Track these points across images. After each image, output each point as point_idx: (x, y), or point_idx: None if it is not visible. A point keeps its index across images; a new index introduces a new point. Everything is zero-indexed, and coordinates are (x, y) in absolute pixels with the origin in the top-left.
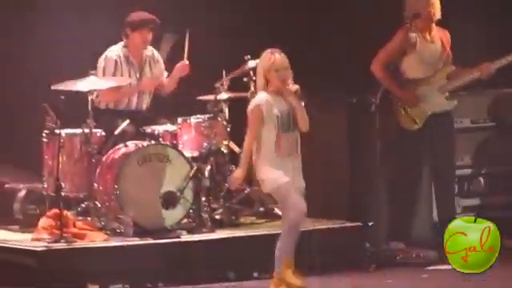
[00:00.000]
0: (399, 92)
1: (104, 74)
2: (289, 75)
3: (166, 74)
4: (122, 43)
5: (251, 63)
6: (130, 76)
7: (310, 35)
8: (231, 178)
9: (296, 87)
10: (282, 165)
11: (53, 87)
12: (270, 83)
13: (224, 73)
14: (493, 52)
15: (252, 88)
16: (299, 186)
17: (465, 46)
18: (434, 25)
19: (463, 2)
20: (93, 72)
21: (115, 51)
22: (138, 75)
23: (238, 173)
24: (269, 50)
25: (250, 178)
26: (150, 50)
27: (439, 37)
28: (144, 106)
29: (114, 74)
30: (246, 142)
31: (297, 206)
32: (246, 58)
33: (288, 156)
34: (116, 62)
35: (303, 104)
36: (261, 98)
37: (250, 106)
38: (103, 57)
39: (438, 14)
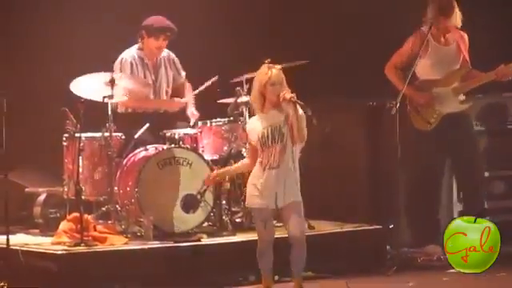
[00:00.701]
0: (413, 93)
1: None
2: (283, 90)
3: (183, 74)
4: (136, 45)
5: None
6: (145, 78)
7: (330, 38)
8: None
9: (291, 94)
10: (265, 176)
11: (72, 86)
12: (265, 98)
13: (244, 79)
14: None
15: None
16: (285, 200)
17: (480, 49)
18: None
19: (479, 8)
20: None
21: (130, 54)
22: (153, 77)
23: (216, 172)
24: (266, 65)
25: None
26: (165, 52)
27: (455, 39)
28: (163, 110)
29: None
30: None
31: (258, 236)
32: (265, 61)
33: (271, 168)
34: (131, 64)
35: (301, 112)
36: (248, 122)
37: None
38: (119, 60)
39: (455, 23)
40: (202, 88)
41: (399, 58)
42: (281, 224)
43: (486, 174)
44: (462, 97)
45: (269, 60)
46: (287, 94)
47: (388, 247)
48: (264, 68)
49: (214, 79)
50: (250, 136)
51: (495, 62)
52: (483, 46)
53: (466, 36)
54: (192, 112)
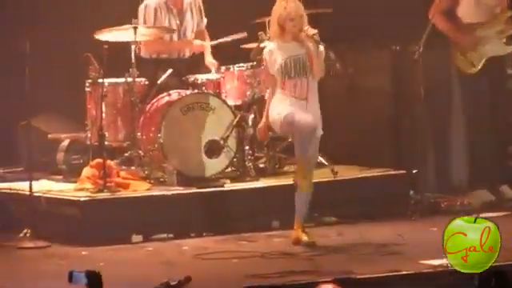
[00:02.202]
0: (458, 35)
1: (145, 23)
2: (304, 22)
3: (205, 20)
4: None
5: None
6: (170, 23)
7: None
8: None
9: (314, 31)
10: (290, 103)
11: (96, 36)
12: (285, 31)
13: (267, 21)
14: None
15: None
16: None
17: None
18: None
19: None
20: (135, 21)
21: None
22: (178, 22)
23: (260, 123)
24: None
25: None
26: None
27: None
28: (187, 55)
29: (155, 23)
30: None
31: (303, 124)
32: None
33: (296, 97)
34: (156, 9)
35: (322, 48)
36: (267, 49)
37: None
38: (143, 5)
39: None
40: (226, 39)
41: (442, 0)
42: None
43: None
44: (505, 40)
45: None
46: (310, 30)
47: (412, 192)
48: (281, 1)
49: (242, 35)
50: (269, 65)
51: None
52: None
53: None
54: (210, 62)
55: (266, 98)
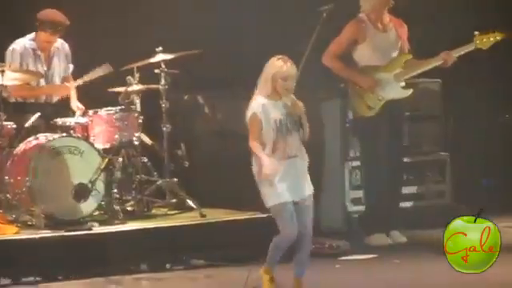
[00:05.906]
0: (357, 77)
1: (10, 67)
2: (294, 84)
3: (71, 66)
4: (30, 35)
5: (161, 56)
6: (36, 68)
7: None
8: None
9: (301, 104)
10: (283, 167)
11: None
12: (273, 89)
13: (135, 67)
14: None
15: (163, 80)
16: (302, 193)
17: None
18: (386, 14)
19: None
20: (2, 64)
21: (20, 43)
22: (45, 68)
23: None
24: (280, 57)
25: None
26: (59, 42)
27: (393, 26)
28: (54, 99)
29: (21, 67)
30: (250, 143)
31: (284, 231)
32: (156, 49)
33: (286, 158)
34: (21, 54)
35: None
36: (257, 103)
37: (248, 114)
38: (9, 50)
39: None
40: (91, 76)
41: (338, 46)
42: (176, 211)
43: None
44: (403, 83)
45: (160, 49)
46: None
47: None
48: (278, 60)
49: (106, 68)
50: (262, 116)
51: (433, 52)
52: (423, 37)
53: (403, 23)
54: (77, 105)
55: (134, 141)
